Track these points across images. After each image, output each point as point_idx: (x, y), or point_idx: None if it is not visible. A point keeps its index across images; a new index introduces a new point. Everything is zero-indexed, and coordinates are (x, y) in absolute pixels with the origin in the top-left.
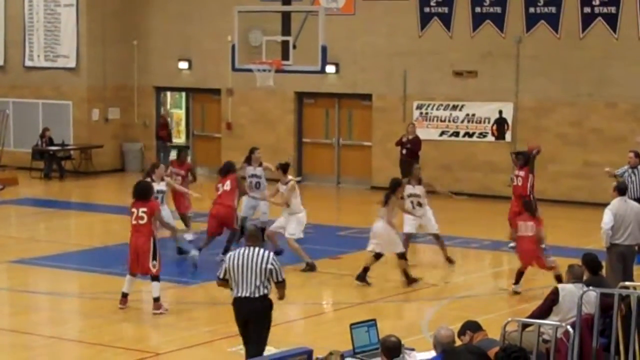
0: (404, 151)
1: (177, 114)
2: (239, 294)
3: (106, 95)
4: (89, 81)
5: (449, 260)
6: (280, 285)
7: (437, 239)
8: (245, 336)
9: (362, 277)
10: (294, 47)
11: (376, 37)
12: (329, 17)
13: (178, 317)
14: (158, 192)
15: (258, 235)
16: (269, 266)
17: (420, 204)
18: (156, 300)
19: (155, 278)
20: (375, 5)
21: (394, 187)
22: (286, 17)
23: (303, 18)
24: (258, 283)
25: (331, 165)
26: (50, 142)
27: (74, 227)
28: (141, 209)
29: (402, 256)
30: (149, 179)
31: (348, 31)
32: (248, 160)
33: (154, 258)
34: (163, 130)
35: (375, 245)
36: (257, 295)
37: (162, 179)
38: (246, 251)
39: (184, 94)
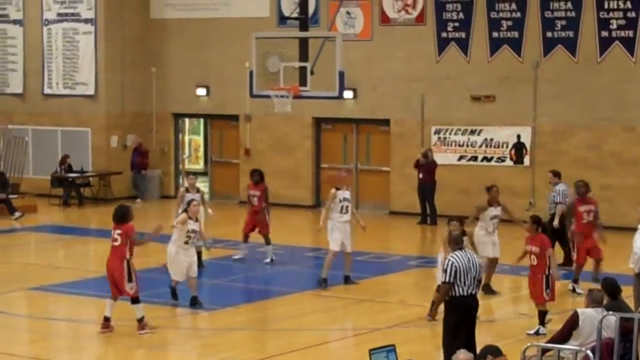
0: (421, 175)
1: (196, 140)
2: (466, 293)
3: (124, 122)
4: (107, 108)
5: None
6: (479, 283)
7: (494, 263)
8: (460, 335)
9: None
10: (312, 73)
11: (394, 62)
12: (347, 42)
13: (196, 343)
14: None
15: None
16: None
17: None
18: (140, 320)
19: (134, 300)
20: (392, 31)
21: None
22: (304, 43)
23: (320, 44)
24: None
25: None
26: (70, 169)
27: (92, 254)
28: (117, 231)
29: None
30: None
31: (365, 57)
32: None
33: (130, 280)
34: (144, 158)
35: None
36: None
37: (198, 190)
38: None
39: (202, 120)
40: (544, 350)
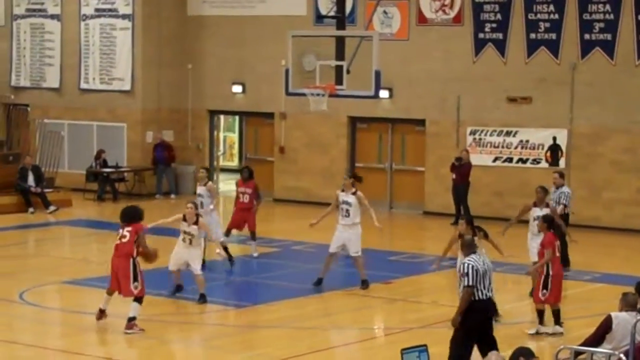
0: (454, 176)
1: (231, 137)
2: (485, 296)
3: (160, 118)
4: (143, 104)
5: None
6: None
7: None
8: (473, 338)
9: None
10: (348, 71)
11: (430, 62)
12: (383, 42)
13: (226, 340)
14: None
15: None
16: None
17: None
18: (130, 319)
19: (137, 299)
20: (429, 31)
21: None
22: (340, 42)
23: (357, 43)
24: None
25: (384, 190)
26: (105, 164)
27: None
28: (126, 229)
29: None
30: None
31: (402, 56)
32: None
33: (135, 279)
34: (170, 152)
35: None
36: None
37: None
38: (481, 258)
39: (237, 117)
40: (577, 353)
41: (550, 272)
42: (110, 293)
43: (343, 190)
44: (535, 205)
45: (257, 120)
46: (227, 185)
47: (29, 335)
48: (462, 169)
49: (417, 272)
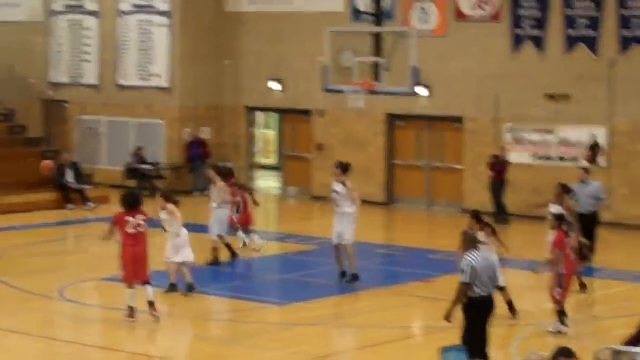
0: (491, 174)
1: (268, 135)
2: (485, 293)
3: (198, 115)
4: (181, 101)
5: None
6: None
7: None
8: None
9: None
10: (386, 68)
11: (468, 59)
12: (421, 39)
13: (265, 337)
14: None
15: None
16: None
17: None
18: (152, 304)
19: (149, 283)
20: (467, 28)
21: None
22: (378, 39)
23: (395, 39)
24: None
25: (422, 188)
26: (143, 160)
27: (163, 246)
28: (140, 217)
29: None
30: None
31: (440, 53)
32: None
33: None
34: (205, 149)
35: None
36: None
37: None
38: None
39: (275, 114)
40: (618, 353)
41: (562, 271)
42: (132, 286)
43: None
44: (553, 202)
45: (294, 117)
46: (265, 182)
47: (68, 331)
48: (498, 166)
49: (456, 270)
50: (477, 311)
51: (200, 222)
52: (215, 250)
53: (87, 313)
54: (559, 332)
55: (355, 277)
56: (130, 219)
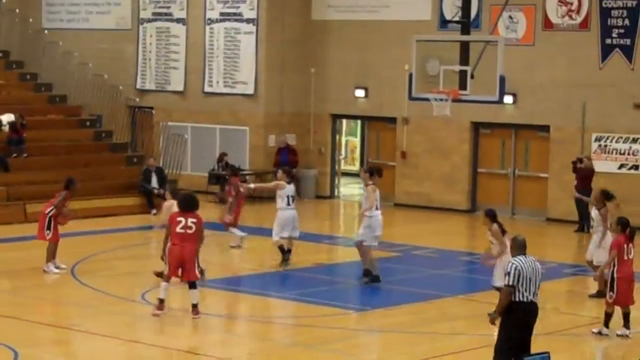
0: (576, 182)
1: (352, 142)
2: (526, 299)
3: (283, 122)
4: (266, 107)
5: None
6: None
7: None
8: (514, 341)
9: None
10: (472, 76)
11: (555, 68)
12: (508, 47)
13: (345, 343)
14: None
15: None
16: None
17: (591, 227)
18: (196, 306)
19: (193, 285)
20: (555, 36)
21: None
22: (464, 47)
23: (481, 48)
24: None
25: (506, 196)
26: (227, 166)
27: (246, 251)
28: (190, 219)
29: None
30: None
31: (526, 61)
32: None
33: (198, 266)
34: (295, 156)
35: None
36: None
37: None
38: (528, 259)
39: (359, 121)
40: None
41: (616, 275)
42: (168, 280)
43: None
44: (594, 205)
45: (379, 124)
46: (349, 189)
47: (151, 334)
48: (583, 173)
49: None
50: (516, 316)
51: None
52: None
53: (169, 317)
54: (600, 333)
55: (366, 273)
56: (182, 219)
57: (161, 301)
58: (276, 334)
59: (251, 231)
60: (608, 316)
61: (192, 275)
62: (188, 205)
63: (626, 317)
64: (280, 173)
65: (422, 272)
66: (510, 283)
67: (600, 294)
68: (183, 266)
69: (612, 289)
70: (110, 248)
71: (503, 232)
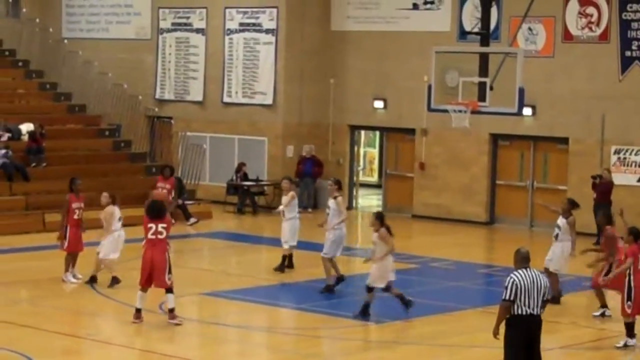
0: (595, 195)
1: (371, 153)
2: (525, 312)
3: (301, 132)
4: (284, 118)
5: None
6: (545, 304)
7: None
8: (519, 355)
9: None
10: (491, 88)
11: (575, 80)
12: (527, 58)
13: (364, 355)
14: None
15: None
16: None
17: (557, 237)
18: (171, 311)
19: (169, 290)
20: (574, 48)
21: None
22: (484, 58)
23: (501, 59)
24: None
25: (524, 208)
26: (245, 177)
27: (265, 262)
28: (160, 225)
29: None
30: None
31: (546, 73)
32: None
33: (169, 272)
34: (320, 168)
35: None
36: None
37: None
38: (530, 272)
39: (378, 132)
40: None
41: (633, 284)
42: (145, 290)
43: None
44: (561, 214)
45: (397, 135)
46: (367, 200)
47: (166, 344)
48: (602, 187)
49: (566, 291)
50: (515, 330)
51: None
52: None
53: (187, 327)
54: (625, 345)
55: (327, 288)
56: (152, 225)
57: (138, 311)
58: (293, 345)
59: (271, 242)
60: (629, 326)
61: (162, 281)
62: (158, 211)
63: (631, 326)
64: (288, 183)
65: (440, 284)
66: (507, 297)
67: (603, 311)
68: (153, 272)
69: (629, 299)
70: (128, 258)
71: (390, 235)
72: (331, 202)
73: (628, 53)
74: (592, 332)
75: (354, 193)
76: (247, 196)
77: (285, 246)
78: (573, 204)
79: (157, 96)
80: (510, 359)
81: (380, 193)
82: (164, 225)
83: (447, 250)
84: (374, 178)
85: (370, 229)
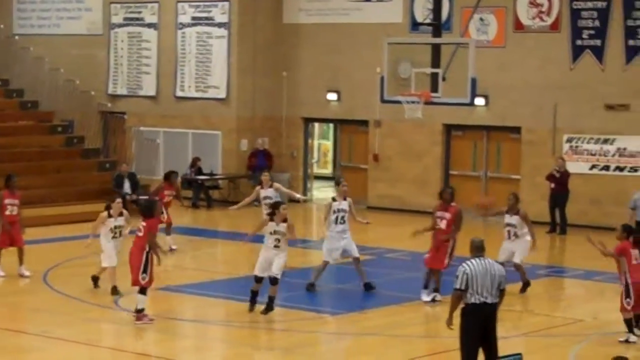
0: (553, 185)
1: (325, 145)
2: (478, 301)
3: (255, 126)
4: (238, 112)
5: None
6: (503, 293)
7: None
8: (472, 343)
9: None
10: (444, 79)
11: (526, 69)
12: (479, 49)
13: (321, 347)
14: (265, 197)
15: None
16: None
17: (516, 235)
18: (139, 311)
19: (142, 291)
20: (526, 38)
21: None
22: (436, 49)
23: (453, 50)
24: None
25: (478, 198)
26: (199, 171)
27: (220, 256)
28: (142, 223)
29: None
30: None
31: (498, 63)
32: (260, 183)
33: (144, 271)
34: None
35: None
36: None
37: (271, 186)
38: (483, 261)
39: (331, 125)
40: None
41: (629, 280)
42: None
43: (335, 200)
44: (507, 212)
45: (351, 127)
46: (321, 192)
47: (124, 340)
48: (561, 177)
49: (512, 280)
50: (469, 318)
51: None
52: None
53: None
54: (627, 341)
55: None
56: (140, 224)
57: (140, 311)
58: (250, 339)
59: (226, 236)
60: (629, 322)
61: (135, 280)
62: (144, 209)
63: (631, 322)
64: (268, 176)
65: (395, 275)
66: (457, 287)
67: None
68: (131, 270)
69: (628, 295)
70: (82, 254)
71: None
72: (345, 205)
73: (579, 42)
74: (547, 320)
75: (309, 185)
76: (201, 190)
77: None
78: (518, 198)
79: (109, 91)
80: (466, 347)
81: (333, 185)
82: (144, 224)
83: (402, 241)
84: (328, 170)
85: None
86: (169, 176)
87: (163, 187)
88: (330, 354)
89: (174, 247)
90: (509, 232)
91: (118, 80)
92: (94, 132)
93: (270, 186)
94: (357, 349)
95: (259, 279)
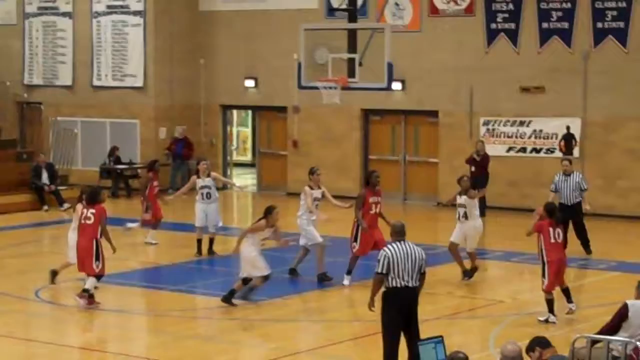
0: (473, 168)
1: (244, 132)
2: (400, 285)
3: (173, 114)
4: (156, 100)
5: (468, 272)
6: (424, 276)
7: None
8: (394, 327)
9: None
10: (360, 64)
11: (442, 53)
12: (395, 34)
13: (245, 334)
14: (203, 187)
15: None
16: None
17: (466, 216)
18: (85, 291)
19: (97, 277)
20: (441, 22)
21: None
22: (352, 35)
23: (369, 35)
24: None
25: (397, 182)
26: (118, 160)
27: (140, 246)
28: (90, 210)
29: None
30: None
31: (414, 48)
32: (197, 172)
33: (97, 259)
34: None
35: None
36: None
37: (208, 175)
38: (403, 245)
39: (250, 111)
40: (594, 342)
41: (546, 259)
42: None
43: (312, 188)
44: (459, 193)
45: (270, 114)
46: (241, 179)
47: (46, 332)
48: (481, 160)
49: (431, 263)
50: (391, 302)
51: (182, 220)
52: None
53: (64, 313)
54: (547, 321)
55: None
56: (84, 210)
57: (90, 296)
58: (174, 327)
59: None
60: (550, 302)
61: (89, 268)
62: (90, 196)
63: (566, 292)
64: (207, 164)
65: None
66: (379, 271)
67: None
68: (81, 259)
69: (544, 275)
70: (1, 246)
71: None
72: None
73: (493, 25)
74: (468, 302)
75: (229, 173)
76: (120, 180)
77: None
78: (471, 182)
79: (25, 81)
80: (388, 331)
81: (254, 172)
82: (93, 211)
83: (322, 226)
84: (247, 157)
85: (245, 209)
86: (153, 166)
87: (151, 177)
88: (254, 341)
89: (154, 241)
90: (459, 213)
91: (34, 70)
92: (10, 122)
93: (208, 175)
94: (281, 335)
95: (246, 281)
